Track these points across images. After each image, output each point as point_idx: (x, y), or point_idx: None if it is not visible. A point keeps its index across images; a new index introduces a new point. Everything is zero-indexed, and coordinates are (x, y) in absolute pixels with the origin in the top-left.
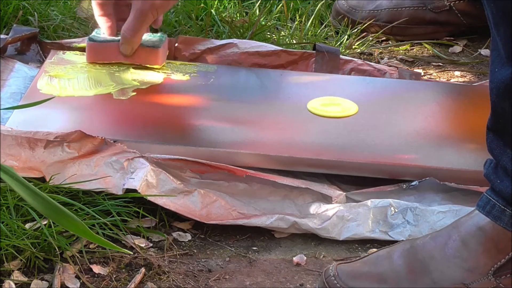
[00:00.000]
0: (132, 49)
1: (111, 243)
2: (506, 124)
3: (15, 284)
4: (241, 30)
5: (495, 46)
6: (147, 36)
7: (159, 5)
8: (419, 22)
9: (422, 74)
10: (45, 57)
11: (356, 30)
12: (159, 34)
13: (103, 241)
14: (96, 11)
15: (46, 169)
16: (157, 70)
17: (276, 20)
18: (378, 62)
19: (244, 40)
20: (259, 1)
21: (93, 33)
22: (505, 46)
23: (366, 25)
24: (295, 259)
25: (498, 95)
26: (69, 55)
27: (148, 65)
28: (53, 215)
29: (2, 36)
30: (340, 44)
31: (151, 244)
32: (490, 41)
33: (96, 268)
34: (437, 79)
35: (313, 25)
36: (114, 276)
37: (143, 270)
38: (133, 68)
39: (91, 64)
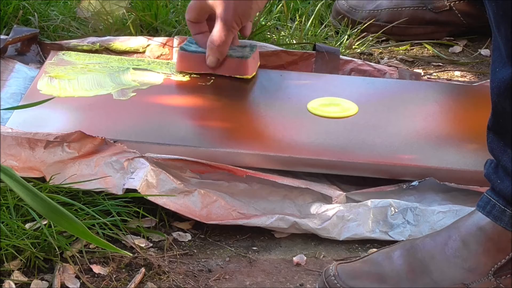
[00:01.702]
0: (218, 60)
1: (110, 244)
2: (506, 124)
3: (15, 284)
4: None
5: (496, 46)
6: (237, 47)
7: (242, 13)
8: (419, 22)
9: (422, 74)
10: (45, 58)
11: (356, 30)
12: (249, 44)
13: (102, 242)
14: (192, 30)
15: (46, 169)
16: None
17: (276, 20)
18: (378, 62)
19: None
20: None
21: (186, 42)
22: (506, 46)
23: (366, 25)
24: (295, 259)
25: (499, 94)
26: (69, 55)
27: (238, 76)
28: (52, 216)
29: (2, 36)
30: (340, 44)
31: (151, 244)
32: (491, 41)
33: (96, 268)
34: (437, 79)
35: (313, 25)
36: (114, 276)
37: (143, 270)
38: (133, 68)
39: (91, 65)
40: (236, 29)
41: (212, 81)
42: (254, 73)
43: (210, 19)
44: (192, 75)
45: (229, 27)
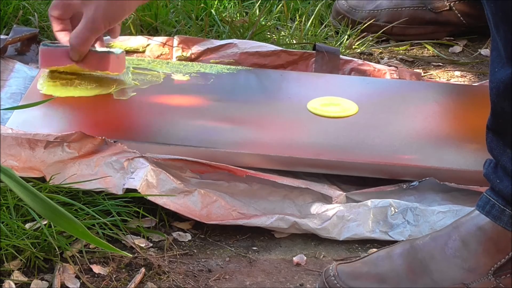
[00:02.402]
0: (80, 56)
1: (110, 245)
2: (506, 124)
3: (15, 284)
4: (241, 30)
5: (495, 46)
6: (103, 48)
7: (111, 16)
8: (419, 22)
9: (422, 74)
10: None
11: (356, 30)
12: (117, 48)
13: (102, 243)
14: (54, 27)
15: (46, 169)
16: (155, 72)
17: (276, 20)
18: (378, 62)
19: (244, 40)
20: (259, 1)
21: (44, 42)
22: (505, 46)
23: (366, 25)
24: (295, 259)
25: (498, 95)
26: None
27: (98, 71)
28: (52, 216)
29: (2, 36)
30: (340, 44)
31: (151, 244)
32: (490, 41)
33: (96, 268)
34: (437, 79)
35: (313, 25)
36: (114, 276)
37: (143, 270)
38: (133, 68)
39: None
40: (103, 30)
41: (212, 80)
42: (118, 73)
43: (75, 18)
44: (192, 75)
45: (95, 28)
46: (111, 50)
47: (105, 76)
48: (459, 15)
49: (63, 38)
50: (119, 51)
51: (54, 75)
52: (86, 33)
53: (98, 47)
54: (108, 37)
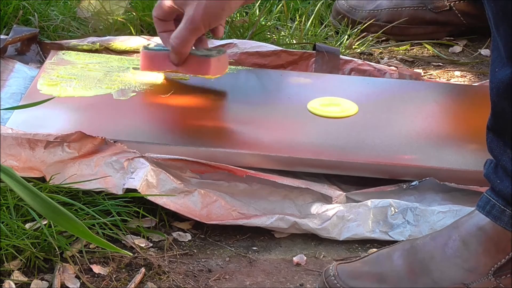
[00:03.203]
0: (181, 59)
1: (110, 244)
2: (506, 124)
3: (15, 284)
4: (241, 30)
5: (496, 46)
6: (204, 49)
7: (212, 15)
8: (419, 22)
9: (422, 74)
10: (45, 58)
11: (356, 30)
12: (218, 48)
13: (102, 242)
14: (158, 28)
15: (46, 169)
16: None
17: (276, 20)
18: (378, 62)
19: (244, 40)
20: (259, 1)
21: (149, 44)
22: (506, 46)
23: (366, 25)
24: (295, 259)
25: (498, 95)
26: (69, 55)
27: (200, 75)
28: (52, 216)
29: (2, 36)
30: (340, 44)
31: (151, 244)
32: (491, 41)
33: (96, 268)
34: (437, 79)
35: (313, 25)
36: (114, 276)
37: (143, 270)
38: (133, 68)
39: (91, 65)
40: (203, 31)
41: (212, 81)
42: (219, 75)
43: (178, 19)
44: (192, 75)
45: (195, 28)
46: (212, 52)
47: (105, 75)
48: (459, 15)
49: (166, 38)
50: (221, 52)
51: (54, 75)
52: (186, 33)
53: (200, 49)
54: (109, 36)
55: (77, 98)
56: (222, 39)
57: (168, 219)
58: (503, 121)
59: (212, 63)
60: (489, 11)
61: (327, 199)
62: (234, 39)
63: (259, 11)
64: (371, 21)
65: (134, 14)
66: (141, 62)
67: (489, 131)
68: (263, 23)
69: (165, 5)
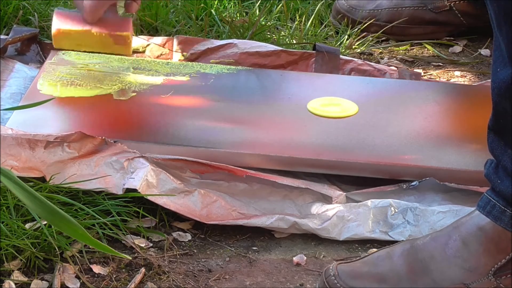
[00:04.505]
0: (93, 20)
1: (109, 247)
2: (507, 124)
3: (15, 284)
4: (241, 30)
5: (498, 46)
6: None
7: None
8: (419, 22)
9: (422, 74)
10: (45, 58)
11: (356, 30)
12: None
13: (101, 245)
14: None
15: (46, 169)
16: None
17: (276, 20)
18: (378, 62)
19: (244, 40)
20: (259, 1)
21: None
22: (507, 46)
23: (366, 24)
24: (295, 259)
25: (500, 95)
26: (69, 55)
27: (118, 34)
28: (51, 218)
29: (2, 36)
30: (340, 44)
31: (151, 244)
32: (493, 41)
33: (96, 268)
34: (437, 79)
35: (313, 25)
36: (114, 276)
37: (143, 270)
38: (133, 68)
39: (91, 65)
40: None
41: (212, 81)
42: (131, 38)
43: None
44: (192, 75)
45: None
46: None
47: (105, 75)
48: (459, 15)
49: (80, 4)
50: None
51: (54, 75)
52: (98, 3)
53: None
54: None
55: (77, 98)
56: (222, 38)
57: (168, 219)
58: (504, 121)
59: (131, 22)
60: (491, 11)
61: (327, 199)
62: (234, 39)
63: (259, 11)
64: (371, 21)
65: (134, 14)
66: (53, 22)
67: (490, 131)
68: (263, 23)
69: None
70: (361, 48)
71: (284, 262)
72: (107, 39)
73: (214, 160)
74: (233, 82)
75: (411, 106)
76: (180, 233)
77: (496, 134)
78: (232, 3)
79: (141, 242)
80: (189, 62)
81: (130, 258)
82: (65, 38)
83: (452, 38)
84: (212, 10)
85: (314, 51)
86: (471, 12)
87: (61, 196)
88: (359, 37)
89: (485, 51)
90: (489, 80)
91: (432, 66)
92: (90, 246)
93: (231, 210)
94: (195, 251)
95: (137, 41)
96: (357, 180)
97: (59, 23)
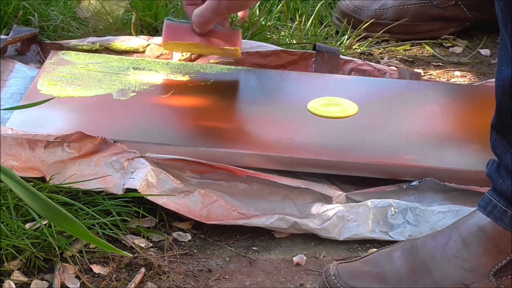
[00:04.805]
0: (203, 32)
1: (110, 245)
2: (510, 123)
3: (15, 284)
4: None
5: (503, 45)
6: (218, 26)
7: (236, 4)
8: (426, 19)
9: (422, 74)
10: (45, 58)
11: (359, 29)
12: (231, 26)
13: (102, 243)
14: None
15: (46, 169)
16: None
17: (276, 20)
18: (378, 62)
19: (244, 40)
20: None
21: (169, 17)
22: None
23: (368, 23)
24: (295, 259)
25: (504, 93)
26: (69, 55)
27: (227, 48)
28: (52, 216)
29: (2, 36)
30: (340, 44)
31: (151, 244)
32: (499, 40)
33: (96, 268)
34: (437, 79)
35: (313, 25)
36: (114, 276)
37: (143, 270)
38: (133, 68)
39: (91, 65)
40: (226, 14)
41: (212, 81)
42: (240, 51)
43: None
44: (191, 75)
45: (219, 12)
46: (231, 27)
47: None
48: (464, 9)
49: (190, 12)
50: (237, 29)
51: (54, 75)
52: (209, 14)
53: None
54: (109, 36)
55: (77, 98)
56: None
57: (168, 219)
58: (507, 119)
59: (240, 35)
60: (498, 9)
61: (327, 199)
62: None
63: (259, 11)
64: (375, 20)
65: (134, 14)
66: (163, 34)
67: (493, 129)
68: (263, 23)
69: None
70: (361, 48)
71: (284, 262)
72: (217, 50)
73: (214, 160)
74: (233, 82)
75: (411, 106)
76: (180, 233)
77: (499, 133)
78: None
79: (141, 242)
80: (189, 62)
81: (131, 256)
82: (174, 48)
83: (452, 37)
84: None
85: (314, 51)
86: (476, 5)
87: (61, 196)
88: (360, 37)
89: (485, 51)
90: (489, 80)
91: (432, 66)
92: (90, 246)
93: (231, 210)
94: (195, 251)
95: (137, 41)
96: (357, 180)
97: (167, 36)
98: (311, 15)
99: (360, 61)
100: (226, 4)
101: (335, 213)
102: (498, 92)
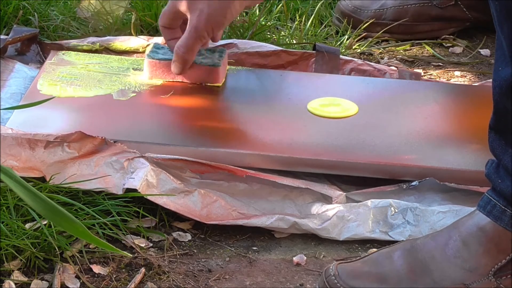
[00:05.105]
0: (184, 68)
1: (110, 244)
2: (508, 123)
3: (15, 284)
4: (241, 30)
5: (500, 45)
6: (205, 53)
7: (214, 23)
8: (426, 19)
9: (422, 74)
10: (45, 58)
11: (359, 29)
12: (218, 50)
13: (102, 243)
14: (165, 36)
15: (46, 169)
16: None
17: (276, 20)
18: (378, 62)
19: (244, 40)
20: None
21: (152, 48)
22: (509, 45)
23: (368, 23)
24: (295, 259)
25: (501, 93)
26: (69, 55)
27: (208, 84)
28: (52, 216)
29: (2, 36)
30: (340, 44)
31: (151, 244)
32: (495, 40)
33: (96, 268)
34: (437, 79)
35: (313, 25)
36: (114, 276)
37: (143, 270)
38: (133, 69)
39: (91, 65)
40: (207, 38)
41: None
42: (224, 80)
43: (185, 23)
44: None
45: (199, 36)
46: (214, 55)
47: (105, 76)
48: (464, 9)
49: (173, 45)
50: (223, 54)
51: (54, 75)
52: (190, 42)
53: (201, 51)
54: (109, 37)
55: (77, 98)
56: (222, 39)
57: (168, 219)
58: (505, 120)
59: (220, 72)
60: (493, 10)
61: (327, 199)
62: (234, 39)
63: (259, 11)
64: (374, 20)
65: (134, 14)
66: (147, 71)
67: (491, 130)
68: (263, 23)
69: (170, 13)
70: (361, 48)
71: (284, 262)
72: (199, 85)
73: (214, 160)
74: (233, 82)
75: (411, 106)
76: (180, 233)
77: (497, 133)
78: None
79: (141, 242)
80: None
81: (131, 256)
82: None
83: (452, 36)
84: None
85: (314, 51)
86: (476, 5)
87: (61, 196)
88: (359, 37)
89: (485, 51)
90: (489, 80)
91: (432, 66)
92: (90, 246)
93: (231, 210)
94: (195, 251)
95: (137, 41)
96: (357, 180)
97: (150, 74)
98: (311, 15)
99: (360, 61)
100: (203, 25)
101: (335, 213)
102: (495, 92)
